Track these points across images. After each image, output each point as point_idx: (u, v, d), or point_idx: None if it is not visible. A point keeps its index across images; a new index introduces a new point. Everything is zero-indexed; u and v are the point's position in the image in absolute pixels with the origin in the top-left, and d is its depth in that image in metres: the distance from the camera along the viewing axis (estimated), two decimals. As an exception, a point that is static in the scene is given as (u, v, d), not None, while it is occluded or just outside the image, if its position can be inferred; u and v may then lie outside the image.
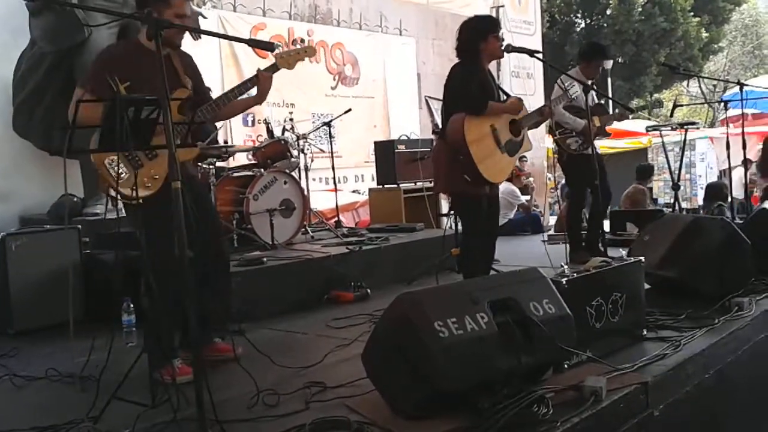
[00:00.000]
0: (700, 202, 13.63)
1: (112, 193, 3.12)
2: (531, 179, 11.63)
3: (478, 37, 4.46)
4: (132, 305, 3.97)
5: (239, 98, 3.56)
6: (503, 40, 4.57)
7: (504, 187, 7.40)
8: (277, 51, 3.44)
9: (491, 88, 4.57)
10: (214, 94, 3.81)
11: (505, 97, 4.67)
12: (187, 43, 3.73)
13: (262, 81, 3.51)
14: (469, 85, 4.37)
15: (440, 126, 4.78)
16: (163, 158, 3.17)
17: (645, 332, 3.38)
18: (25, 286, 4.50)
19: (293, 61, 3.58)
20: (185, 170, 3.08)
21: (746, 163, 7.46)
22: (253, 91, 3.59)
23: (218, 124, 6.28)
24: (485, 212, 4.52)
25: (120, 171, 3.13)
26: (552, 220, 10.78)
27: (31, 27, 5.65)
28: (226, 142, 6.96)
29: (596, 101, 6.07)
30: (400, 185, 7.64)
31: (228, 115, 3.97)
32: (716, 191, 9.65)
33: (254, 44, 2.86)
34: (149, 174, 3.22)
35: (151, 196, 3.18)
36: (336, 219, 7.15)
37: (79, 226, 4.95)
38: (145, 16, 2.81)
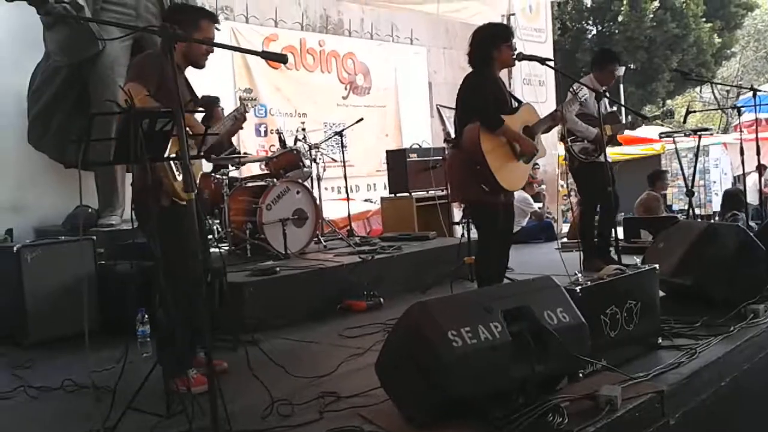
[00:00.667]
0: (715, 208, 13.53)
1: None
2: (544, 186, 11.57)
3: (491, 46, 4.45)
4: (147, 316, 3.98)
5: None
6: (515, 48, 4.57)
7: (517, 194, 7.35)
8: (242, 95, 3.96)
9: (504, 98, 4.56)
10: (226, 104, 3.94)
11: (516, 105, 4.67)
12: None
13: (241, 120, 3.92)
14: (484, 96, 4.36)
15: (452, 134, 4.78)
16: (197, 167, 3.53)
17: (660, 340, 3.36)
18: (41, 297, 4.53)
19: (251, 106, 4.08)
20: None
21: (761, 168, 7.43)
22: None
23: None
24: (501, 220, 4.52)
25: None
26: (565, 228, 10.72)
27: (46, 40, 5.72)
28: (238, 152, 6.98)
29: (608, 109, 6.05)
30: (412, 194, 7.62)
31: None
32: (733, 198, 9.58)
33: (267, 56, 2.87)
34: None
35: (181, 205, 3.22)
36: (348, 228, 7.16)
37: (94, 237, 5.00)
38: (158, 30, 2.84)
